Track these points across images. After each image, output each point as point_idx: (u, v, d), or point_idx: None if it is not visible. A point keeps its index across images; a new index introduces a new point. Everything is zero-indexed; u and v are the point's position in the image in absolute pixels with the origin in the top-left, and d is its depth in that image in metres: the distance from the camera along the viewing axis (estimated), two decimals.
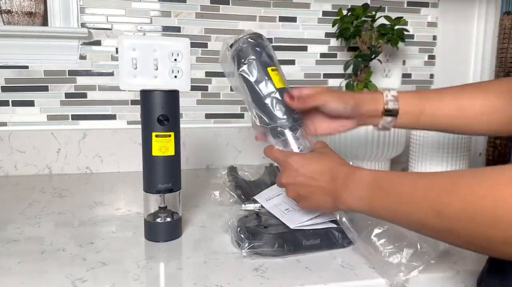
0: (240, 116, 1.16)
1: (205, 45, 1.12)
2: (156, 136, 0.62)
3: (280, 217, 0.64)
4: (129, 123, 1.11)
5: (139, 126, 0.64)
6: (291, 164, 0.59)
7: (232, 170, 0.94)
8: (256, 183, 0.89)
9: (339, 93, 0.67)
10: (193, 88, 1.12)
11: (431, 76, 1.29)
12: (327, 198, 0.55)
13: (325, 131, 0.69)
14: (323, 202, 0.56)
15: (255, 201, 0.74)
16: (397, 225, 0.48)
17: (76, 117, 1.08)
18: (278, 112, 0.64)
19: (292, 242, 0.60)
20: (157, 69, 1.09)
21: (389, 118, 0.65)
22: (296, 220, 0.62)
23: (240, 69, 0.66)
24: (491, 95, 0.63)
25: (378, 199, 0.49)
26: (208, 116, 1.14)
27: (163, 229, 0.65)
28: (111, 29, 1.07)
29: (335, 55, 1.21)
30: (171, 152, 0.63)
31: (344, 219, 0.60)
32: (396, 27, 1.06)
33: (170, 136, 0.63)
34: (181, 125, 0.66)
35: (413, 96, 0.65)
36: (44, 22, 1.03)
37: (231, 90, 1.13)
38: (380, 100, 0.65)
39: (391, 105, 0.64)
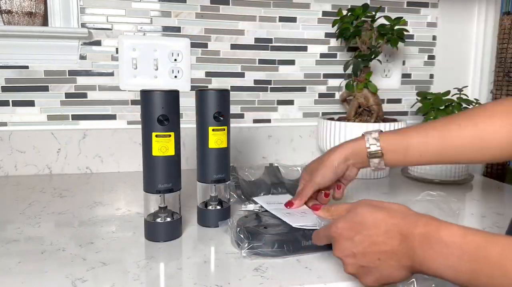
0: (240, 116, 1.16)
1: (205, 45, 1.12)
2: (156, 136, 0.62)
3: (282, 217, 0.64)
4: (129, 123, 1.11)
5: (139, 126, 0.64)
6: (340, 233, 0.48)
7: (232, 170, 0.94)
8: (256, 183, 0.89)
9: (320, 164, 0.70)
10: (193, 88, 1.13)
11: (431, 76, 1.29)
12: (401, 262, 0.44)
13: (338, 195, 0.73)
14: (396, 269, 0.44)
15: (255, 202, 0.75)
16: None
17: (76, 117, 1.08)
18: None
19: (291, 242, 0.60)
20: (157, 69, 1.09)
21: (375, 160, 0.67)
22: (299, 221, 0.62)
23: None
24: (480, 122, 0.60)
25: (488, 276, 0.38)
26: None
27: (163, 229, 0.65)
28: (111, 29, 1.07)
29: (335, 55, 1.21)
30: (171, 152, 0.63)
31: None
32: (396, 27, 1.06)
33: (170, 136, 0.63)
34: (181, 125, 0.66)
35: (396, 135, 0.67)
36: (44, 22, 1.03)
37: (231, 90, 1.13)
38: (363, 146, 0.67)
39: (373, 148, 0.66)
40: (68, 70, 1.06)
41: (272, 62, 1.17)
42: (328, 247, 0.61)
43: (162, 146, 0.62)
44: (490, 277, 0.38)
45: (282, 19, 1.16)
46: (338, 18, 1.11)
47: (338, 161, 0.68)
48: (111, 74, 1.08)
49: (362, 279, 0.48)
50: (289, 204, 0.70)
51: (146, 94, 0.62)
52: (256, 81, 1.17)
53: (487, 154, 0.60)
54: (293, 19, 1.16)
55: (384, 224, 0.45)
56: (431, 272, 0.42)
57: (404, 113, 1.29)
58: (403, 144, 0.65)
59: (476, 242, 0.39)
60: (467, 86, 1.11)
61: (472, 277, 0.39)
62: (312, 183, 0.69)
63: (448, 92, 1.01)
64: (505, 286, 0.37)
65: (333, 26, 1.14)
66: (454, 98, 1.01)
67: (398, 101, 1.28)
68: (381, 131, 0.68)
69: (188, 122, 1.12)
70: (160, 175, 0.63)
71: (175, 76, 1.11)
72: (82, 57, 1.06)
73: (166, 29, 1.10)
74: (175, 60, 1.10)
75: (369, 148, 0.66)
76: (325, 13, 1.18)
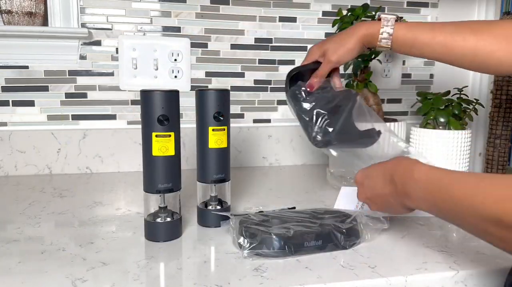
0: (240, 116, 1.16)
1: (205, 45, 1.12)
2: (156, 136, 0.62)
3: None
4: (129, 123, 1.11)
5: (139, 126, 0.64)
6: (358, 182, 0.65)
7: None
8: None
9: (338, 44, 0.75)
10: (193, 88, 1.13)
11: (431, 76, 1.29)
12: (396, 199, 0.57)
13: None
14: (395, 205, 0.58)
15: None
16: (462, 229, 0.49)
17: (76, 117, 1.08)
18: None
19: (293, 243, 0.60)
20: (157, 69, 1.09)
21: (384, 47, 0.73)
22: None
23: None
24: (482, 39, 0.66)
25: (440, 202, 0.48)
26: None
27: (163, 229, 0.65)
28: (111, 29, 1.07)
29: None
30: (171, 152, 0.63)
31: None
32: None
33: (170, 136, 0.63)
34: (181, 125, 0.66)
35: (406, 32, 0.71)
36: (44, 22, 1.03)
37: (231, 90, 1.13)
38: (377, 32, 0.72)
39: (383, 43, 0.72)
40: (68, 70, 1.06)
41: (272, 62, 1.17)
42: (328, 249, 0.61)
43: (162, 146, 0.62)
44: (443, 201, 0.48)
45: (282, 19, 1.16)
46: (338, 18, 1.10)
47: (355, 43, 0.73)
48: (111, 74, 1.08)
49: (371, 206, 0.63)
50: (309, 86, 0.77)
51: (146, 94, 0.62)
52: (256, 81, 1.17)
53: (484, 68, 0.69)
54: (293, 19, 1.16)
55: (379, 171, 0.61)
56: (414, 205, 0.54)
57: (404, 113, 1.29)
58: (411, 40, 0.71)
59: (436, 177, 0.50)
60: (467, 86, 1.11)
61: (436, 204, 0.49)
62: (329, 62, 0.75)
63: (448, 92, 1.01)
64: (453, 207, 0.46)
65: (333, 26, 1.13)
66: (454, 98, 1.01)
67: (398, 101, 1.28)
68: (398, 19, 0.72)
69: (188, 122, 1.12)
70: (160, 175, 0.63)
71: (175, 76, 1.11)
72: (82, 57, 1.06)
73: (166, 29, 1.10)
74: (175, 60, 1.10)
75: (380, 41, 0.72)
76: (325, 13, 1.18)
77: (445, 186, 0.48)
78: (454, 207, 0.46)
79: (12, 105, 1.05)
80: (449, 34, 0.68)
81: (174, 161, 0.64)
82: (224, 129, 0.70)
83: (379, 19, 0.72)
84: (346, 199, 0.81)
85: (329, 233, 0.62)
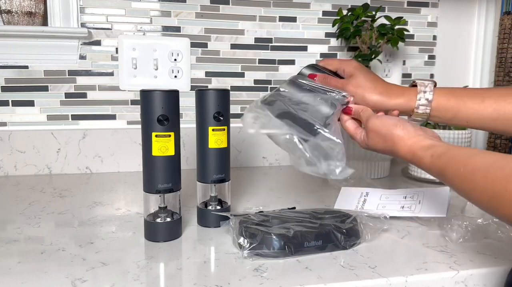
0: (240, 116, 1.16)
1: (205, 45, 1.12)
2: (156, 136, 0.62)
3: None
4: (129, 123, 1.11)
5: (139, 126, 0.64)
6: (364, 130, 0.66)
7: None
8: None
9: (370, 74, 0.69)
10: (193, 88, 1.13)
11: (431, 76, 1.29)
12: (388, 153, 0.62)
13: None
14: (387, 144, 0.61)
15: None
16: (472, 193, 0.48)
17: (76, 117, 1.08)
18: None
19: (293, 243, 0.60)
20: (157, 69, 1.09)
21: (418, 118, 0.66)
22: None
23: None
24: None
25: (449, 164, 0.50)
26: None
27: (163, 229, 0.65)
28: (111, 29, 1.07)
29: (335, 55, 1.21)
30: (171, 152, 0.63)
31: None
32: (396, 27, 1.06)
33: (170, 136, 0.63)
34: (181, 125, 0.66)
35: (450, 97, 0.64)
36: (44, 22, 1.03)
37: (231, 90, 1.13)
38: (412, 102, 0.65)
39: (421, 110, 0.65)
40: (68, 70, 1.06)
41: (272, 62, 1.17)
42: (328, 249, 0.61)
43: (162, 146, 0.62)
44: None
45: (282, 19, 1.16)
46: (338, 18, 1.11)
47: (381, 91, 0.67)
48: (111, 74, 1.08)
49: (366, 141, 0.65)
50: (311, 76, 0.73)
51: (146, 94, 0.62)
52: (256, 81, 1.17)
53: None
54: (293, 19, 1.16)
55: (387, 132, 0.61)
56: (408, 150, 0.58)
57: None
58: (454, 110, 0.64)
59: (421, 154, 0.56)
60: (467, 86, 1.11)
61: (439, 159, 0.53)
62: (350, 91, 0.68)
63: None
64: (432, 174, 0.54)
65: (333, 26, 1.14)
66: None
67: None
68: (435, 84, 0.65)
69: (188, 122, 1.12)
70: (160, 175, 0.63)
71: (175, 76, 1.11)
72: (82, 57, 1.06)
73: (166, 29, 1.09)
74: (175, 60, 1.10)
75: (417, 108, 0.65)
76: (325, 13, 1.18)
77: (427, 162, 0.54)
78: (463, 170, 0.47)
79: (12, 105, 1.05)
80: (500, 96, 0.62)
81: (174, 161, 0.64)
82: (224, 129, 0.70)
83: (414, 85, 0.67)
84: (346, 199, 0.81)
85: (329, 233, 0.62)
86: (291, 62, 1.18)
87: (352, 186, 0.83)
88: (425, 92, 0.64)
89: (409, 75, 1.27)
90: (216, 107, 0.68)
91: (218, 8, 1.12)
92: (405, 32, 1.07)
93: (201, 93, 0.69)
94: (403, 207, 0.74)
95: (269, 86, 1.17)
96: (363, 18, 1.08)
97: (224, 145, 0.70)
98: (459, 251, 0.61)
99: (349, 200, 0.81)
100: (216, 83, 1.14)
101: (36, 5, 0.99)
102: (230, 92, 0.72)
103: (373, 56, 1.06)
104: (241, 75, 1.15)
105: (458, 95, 0.64)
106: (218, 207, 0.72)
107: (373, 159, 1.04)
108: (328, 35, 1.19)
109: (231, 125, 0.74)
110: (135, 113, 1.10)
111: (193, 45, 1.11)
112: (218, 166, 0.70)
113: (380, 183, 1.03)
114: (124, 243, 0.64)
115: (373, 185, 0.83)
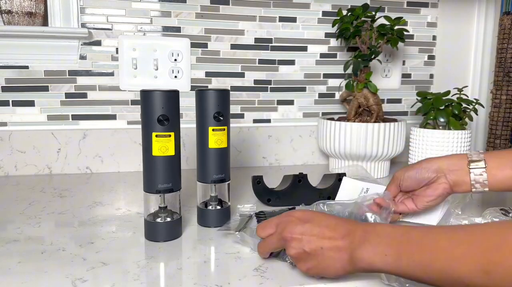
0: (240, 116, 1.16)
1: (205, 45, 1.12)
2: (156, 136, 0.62)
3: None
4: (129, 123, 1.11)
5: (139, 126, 0.64)
6: (294, 217, 0.53)
7: None
8: None
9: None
10: (193, 88, 1.13)
11: (431, 76, 1.29)
12: (341, 255, 0.48)
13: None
14: (334, 261, 0.48)
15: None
16: (429, 284, 0.43)
17: (76, 117, 1.08)
18: None
19: None
20: (157, 69, 1.09)
21: (476, 194, 0.65)
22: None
23: None
24: None
25: (408, 255, 0.43)
26: None
27: (163, 229, 0.65)
28: (111, 29, 1.07)
29: (335, 55, 1.21)
30: (171, 152, 0.63)
31: None
32: (396, 27, 1.06)
33: (170, 136, 0.63)
34: (181, 125, 0.66)
35: (506, 165, 0.62)
36: (44, 22, 1.03)
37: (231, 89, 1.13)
38: (467, 182, 0.64)
39: (478, 187, 0.63)
40: (68, 70, 1.06)
41: (272, 62, 1.17)
42: None
43: (162, 146, 0.62)
44: (410, 255, 0.43)
45: (282, 19, 1.16)
46: (338, 18, 1.11)
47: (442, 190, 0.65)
48: (111, 74, 1.08)
49: (299, 264, 0.52)
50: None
51: (146, 94, 0.62)
52: (256, 81, 1.17)
53: None
54: (293, 19, 1.17)
55: (339, 219, 0.51)
56: (366, 263, 0.46)
57: (404, 113, 1.29)
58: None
59: (402, 229, 0.46)
60: (467, 86, 1.11)
61: (397, 258, 0.44)
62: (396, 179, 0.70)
63: (448, 92, 1.01)
64: (423, 261, 0.42)
65: (333, 26, 1.14)
66: (454, 98, 1.01)
67: (398, 101, 1.28)
68: (484, 158, 0.63)
69: (188, 122, 1.12)
70: (160, 175, 0.63)
71: (175, 76, 1.11)
72: (82, 57, 1.06)
73: (166, 29, 1.10)
74: (175, 60, 1.10)
75: (473, 187, 0.64)
76: (325, 13, 1.18)
77: (417, 238, 0.43)
78: (426, 260, 0.42)
79: (12, 105, 1.05)
80: None
81: (174, 161, 0.64)
82: (224, 129, 0.70)
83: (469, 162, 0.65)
84: (347, 193, 0.81)
85: None
86: (291, 62, 1.18)
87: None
88: (476, 167, 0.63)
89: (408, 75, 1.27)
90: (216, 107, 0.69)
91: (218, 9, 1.12)
92: (405, 32, 1.07)
93: (201, 93, 0.69)
94: None
95: (269, 86, 1.18)
96: (362, 18, 1.08)
97: (224, 145, 0.70)
98: None
99: (349, 194, 0.81)
100: (216, 83, 1.14)
101: (36, 5, 0.99)
102: (230, 92, 0.72)
103: (372, 56, 1.06)
104: (241, 75, 1.15)
105: None
106: (218, 207, 0.72)
107: (373, 159, 1.04)
108: (328, 35, 1.19)
109: (231, 125, 0.74)
110: (135, 113, 1.11)
111: (193, 45, 1.11)
112: (218, 166, 0.70)
113: (380, 183, 1.03)
114: (124, 243, 0.64)
115: (375, 182, 0.83)
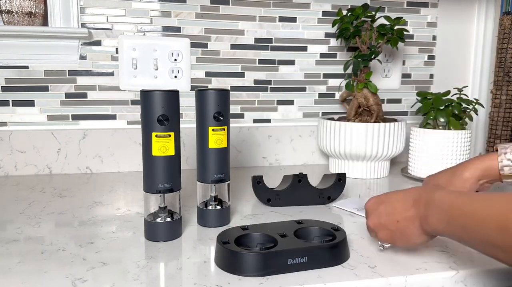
0: (240, 116, 1.16)
1: (205, 45, 1.12)
2: (156, 136, 0.62)
3: None
4: (129, 123, 1.11)
5: (139, 126, 0.64)
6: (370, 208, 0.60)
7: None
8: None
9: (450, 182, 0.72)
10: (193, 88, 1.13)
11: (431, 76, 1.29)
12: (415, 223, 0.54)
13: None
14: (413, 229, 0.55)
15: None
16: (471, 247, 0.48)
17: (76, 117, 1.08)
18: None
19: (277, 262, 0.55)
20: (157, 69, 1.09)
21: (510, 180, 0.68)
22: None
23: None
24: None
25: (454, 219, 0.48)
26: None
27: (163, 229, 0.65)
28: (111, 29, 1.07)
29: (335, 55, 1.21)
30: (171, 152, 0.63)
31: None
32: (396, 27, 1.06)
33: (170, 136, 0.63)
34: (181, 125, 0.66)
35: None
36: (44, 22, 1.03)
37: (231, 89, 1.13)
38: (495, 165, 0.68)
39: (507, 170, 0.67)
40: (68, 70, 1.06)
41: (272, 62, 1.17)
42: (316, 264, 0.56)
43: (162, 146, 0.62)
44: (455, 219, 0.48)
45: (282, 19, 1.16)
46: (338, 18, 1.11)
47: (470, 183, 0.70)
48: (111, 74, 1.08)
49: (396, 242, 0.58)
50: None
51: (146, 94, 0.62)
52: (256, 81, 1.17)
53: None
54: (293, 19, 1.17)
55: (403, 193, 0.57)
56: (432, 228, 0.52)
57: (404, 113, 1.29)
58: None
59: (453, 196, 0.50)
60: (467, 86, 1.11)
61: (447, 224, 0.49)
62: None
63: (448, 92, 1.01)
64: (464, 223, 0.46)
65: (333, 26, 1.14)
66: (454, 98, 1.01)
67: (398, 101, 1.28)
68: None
69: (188, 122, 1.12)
70: (160, 175, 0.63)
71: (175, 76, 1.11)
72: (82, 57, 1.06)
73: (166, 29, 1.10)
74: (175, 60, 1.10)
75: (502, 170, 0.67)
76: (325, 13, 1.18)
77: (458, 203, 0.48)
78: (465, 223, 0.46)
79: (12, 105, 1.05)
80: None
81: (174, 161, 0.64)
82: (224, 129, 0.70)
83: (496, 149, 0.69)
84: (344, 202, 0.84)
85: (317, 250, 0.57)
86: (291, 62, 1.18)
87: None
88: (505, 152, 0.67)
89: (408, 75, 1.27)
90: (216, 107, 0.69)
91: (218, 9, 1.12)
92: (405, 32, 1.07)
93: (201, 93, 0.69)
94: None
95: (269, 86, 1.18)
96: (362, 18, 1.08)
97: (224, 145, 0.70)
98: (459, 251, 0.61)
99: (347, 203, 0.83)
100: (216, 83, 1.14)
101: (36, 5, 0.99)
102: (230, 92, 0.72)
103: (372, 56, 1.06)
104: (241, 75, 1.15)
105: None
106: (218, 207, 0.72)
107: (373, 159, 1.04)
108: (328, 35, 1.19)
109: (231, 125, 0.74)
110: (135, 113, 1.10)
111: (193, 45, 1.11)
112: (218, 166, 0.70)
113: (380, 183, 1.03)
114: (124, 243, 0.64)
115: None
